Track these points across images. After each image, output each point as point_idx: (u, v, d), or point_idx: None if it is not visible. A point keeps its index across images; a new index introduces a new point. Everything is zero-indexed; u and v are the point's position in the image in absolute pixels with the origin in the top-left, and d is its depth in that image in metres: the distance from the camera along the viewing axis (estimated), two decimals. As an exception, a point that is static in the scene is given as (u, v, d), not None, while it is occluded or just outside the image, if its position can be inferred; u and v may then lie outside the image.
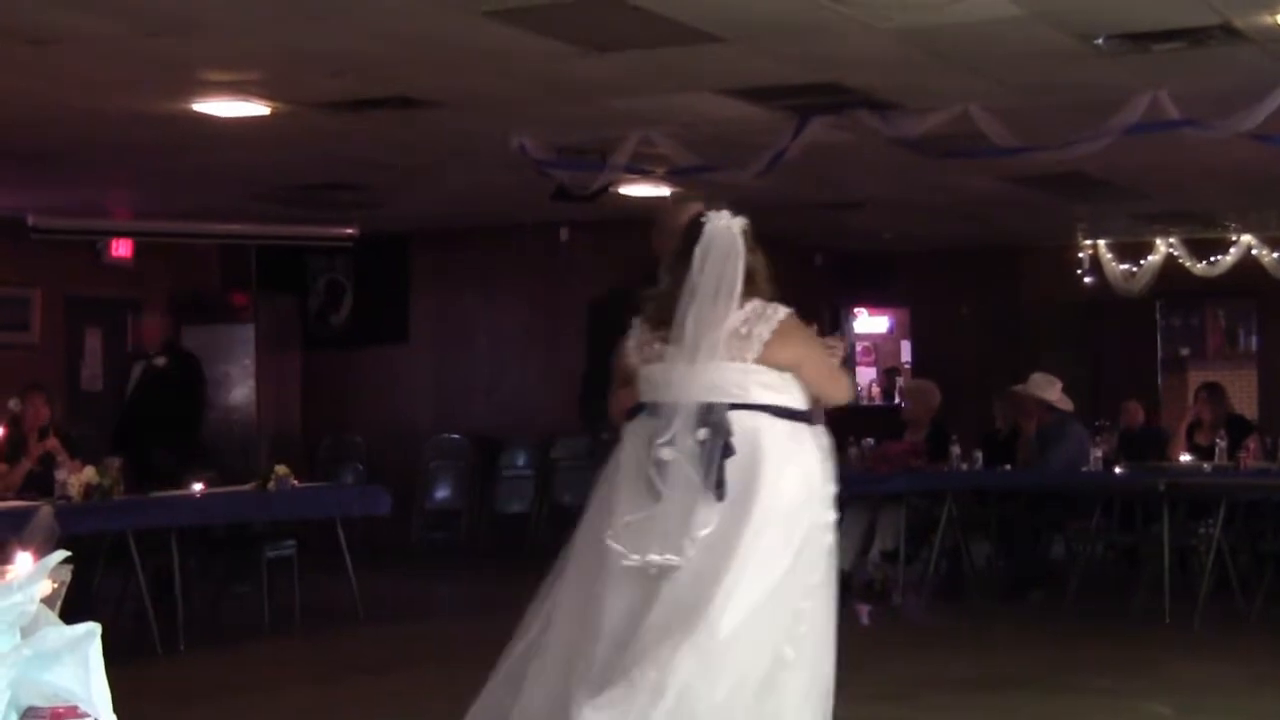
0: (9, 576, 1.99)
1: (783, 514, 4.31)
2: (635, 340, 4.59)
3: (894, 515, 10.78)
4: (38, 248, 12.86)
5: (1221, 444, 10.49)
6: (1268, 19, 7.04)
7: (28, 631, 1.94)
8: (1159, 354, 16.87)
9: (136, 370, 10.75)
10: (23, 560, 2.01)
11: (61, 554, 2.02)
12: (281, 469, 9.51)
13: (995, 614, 10.18)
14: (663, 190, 11.26)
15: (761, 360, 4.41)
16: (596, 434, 4.98)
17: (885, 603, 10.56)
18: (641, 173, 10.16)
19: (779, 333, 4.43)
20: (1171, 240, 15.48)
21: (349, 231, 13.62)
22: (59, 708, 1.90)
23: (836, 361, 4.69)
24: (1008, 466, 11.03)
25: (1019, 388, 11.31)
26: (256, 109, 8.71)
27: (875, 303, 18.37)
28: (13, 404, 9.39)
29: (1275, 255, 15.11)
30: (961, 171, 11.14)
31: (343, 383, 14.86)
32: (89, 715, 1.91)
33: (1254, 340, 17.04)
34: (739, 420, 4.35)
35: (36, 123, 9.05)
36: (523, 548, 13.12)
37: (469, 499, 14.07)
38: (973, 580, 11.06)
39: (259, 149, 9.98)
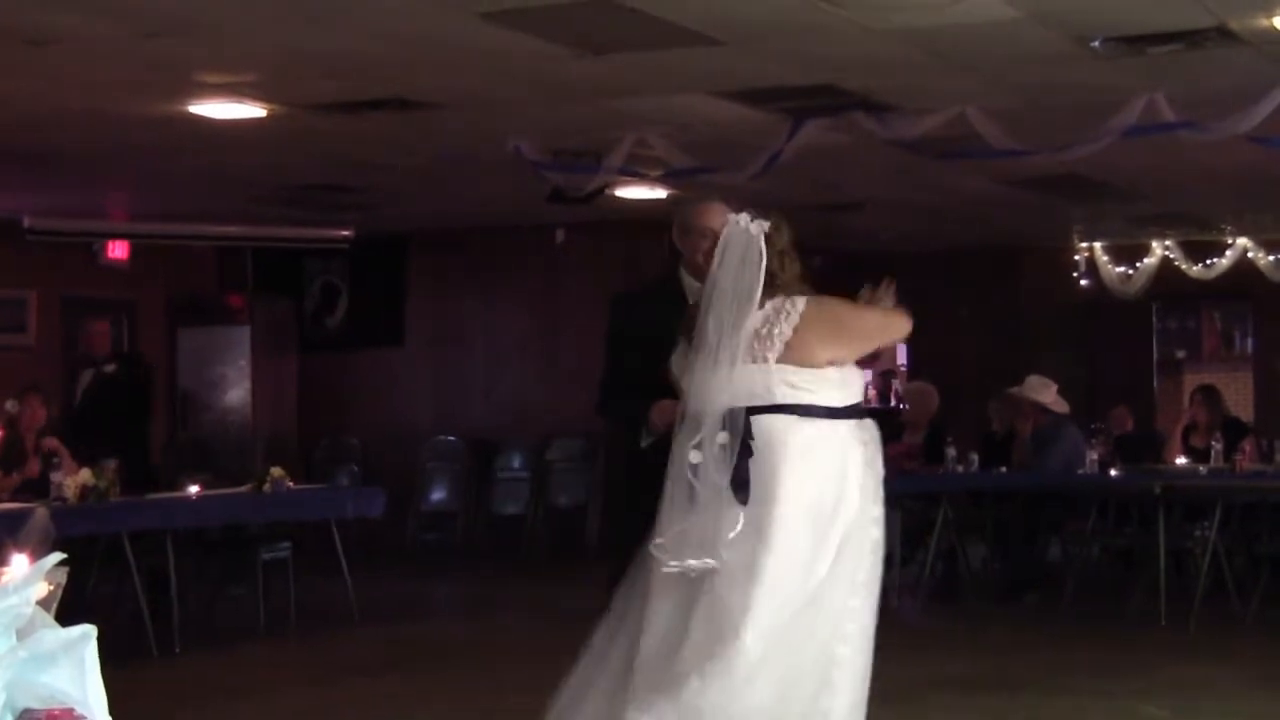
0: (4, 579, 1.98)
1: (809, 515, 4.36)
2: (678, 353, 4.64)
3: (890, 518, 10.74)
4: (34, 249, 12.85)
5: (1217, 446, 10.49)
6: (1264, 21, 7.04)
7: (23, 633, 1.94)
8: (1155, 356, 16.88)
9: (86, 377, 10.70)
10: (18, 562, 2.01)
11: (57, 556, 2.02)
12: (277, 471, 9.53)
13: (991, 616, 10.18)
14: (658, 192, 11.25)
15: (794, 359, 4.43)
16: (633, 440, 4.96)
17: (881, 605, 10.52)
18: (637, 175, 10.16)
19: (802, 327, 4.45)
20: (1168, 243, 15.51)
21: (345, 233, 13.63)
22: (55, 710, 1.90)
23: (885, 306, 4.70)
24: (1003, 469, 11.04)
25: (1014, 390, 11.31)
26: (253, 111, 8.71)
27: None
28: (10, 406, 9.39)
29: (1271, 258, 15.13)
30: (959, 173, 11.14)
31: (339, 385, 14.84)
32: (85, 717, 1.91)
33: (1249, 343, 17.03)
34: (759, 423, 4.38)
35: (34, 124, 9.03)
36: (518, 549, 13.06)
37: (465, 501, 14.04)
38: (968, 582, 11.06)
39: (256, 151, 9.96)
